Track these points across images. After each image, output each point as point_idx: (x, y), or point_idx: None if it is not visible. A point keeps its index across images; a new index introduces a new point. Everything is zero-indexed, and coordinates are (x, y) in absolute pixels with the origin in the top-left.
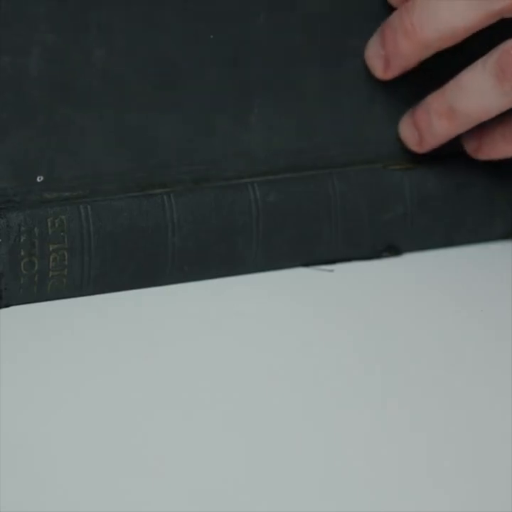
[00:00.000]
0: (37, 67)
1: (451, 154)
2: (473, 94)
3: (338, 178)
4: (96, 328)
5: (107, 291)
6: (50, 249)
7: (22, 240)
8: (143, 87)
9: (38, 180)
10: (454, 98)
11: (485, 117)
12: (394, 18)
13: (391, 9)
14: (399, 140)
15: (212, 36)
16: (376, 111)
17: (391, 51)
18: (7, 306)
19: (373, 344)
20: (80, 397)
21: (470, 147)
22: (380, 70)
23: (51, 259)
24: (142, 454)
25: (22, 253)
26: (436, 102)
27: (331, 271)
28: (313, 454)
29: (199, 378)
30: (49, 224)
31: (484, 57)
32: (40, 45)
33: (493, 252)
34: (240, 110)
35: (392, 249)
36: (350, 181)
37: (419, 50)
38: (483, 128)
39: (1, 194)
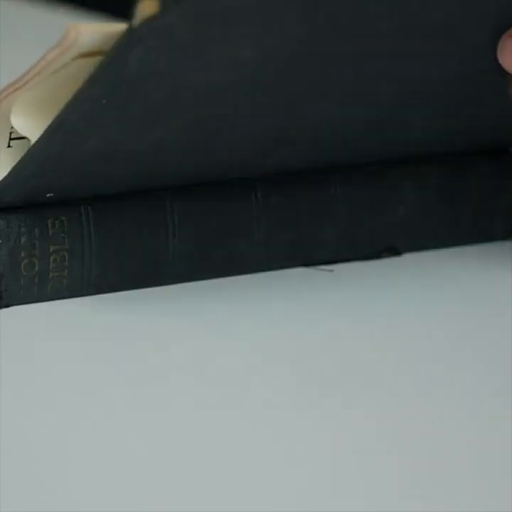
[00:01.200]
0: (89, 147)
1: (450, 154)
2: None
3: (339, 179)
4: (96, 328)
5: (107, 291)
6: (51, 250)
7: (22, 241)
8: (185, 149)
9: (48, 196)
10: None
11: None
12: None
13: None
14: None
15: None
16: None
17: None
18: (7, 306)
19: (373, 344)
20: (80, 398)
21: None
22: None
23: (51, 260)
24: (142, 454)
25: (22, 254)
26: None
27: (331, 271)
28: (314, 454)
29: (199, 378)
30: (49, 225)
31: None
32: (98, 139)
33: (493, 252)
34: (269, 149)
35: (392, 250)
36: (350, 182)
37: None
38: None
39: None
